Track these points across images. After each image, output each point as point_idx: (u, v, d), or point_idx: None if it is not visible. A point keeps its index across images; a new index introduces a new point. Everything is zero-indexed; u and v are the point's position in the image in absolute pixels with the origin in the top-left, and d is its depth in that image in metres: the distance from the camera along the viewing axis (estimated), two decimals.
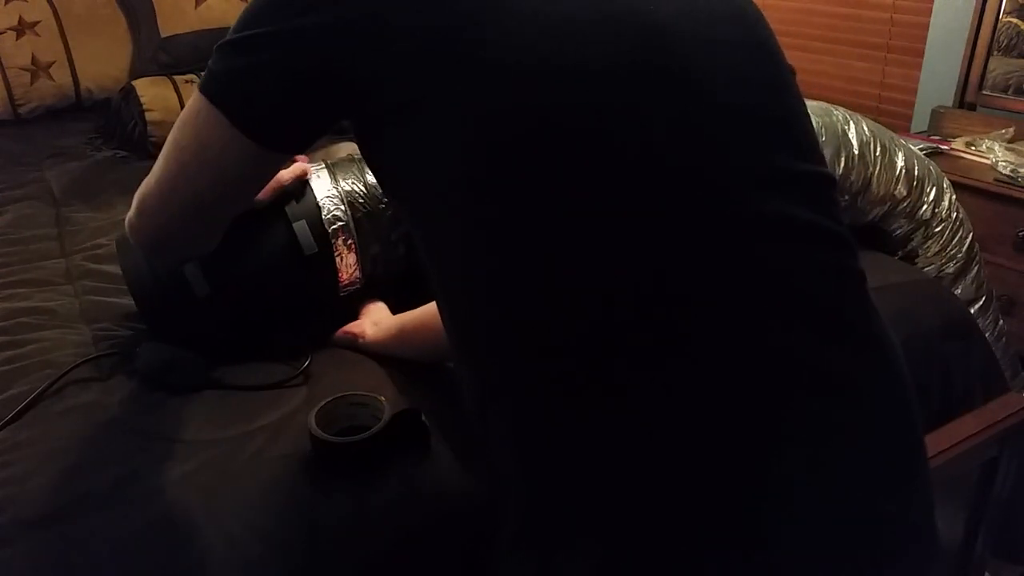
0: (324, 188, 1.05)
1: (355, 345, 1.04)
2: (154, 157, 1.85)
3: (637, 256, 0.59)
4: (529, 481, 0.62)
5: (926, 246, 1.49)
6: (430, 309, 0.95)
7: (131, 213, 0.80)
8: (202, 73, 0.69)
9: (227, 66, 0.67)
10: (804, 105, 0.70)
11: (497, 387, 0.63)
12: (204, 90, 0.68)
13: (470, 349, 0.66)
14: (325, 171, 1.08)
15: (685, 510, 0.57)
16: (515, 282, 0.60)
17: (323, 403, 0.89)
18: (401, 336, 1.00)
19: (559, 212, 0.59)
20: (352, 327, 1.05)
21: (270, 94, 0.66)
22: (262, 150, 0.68)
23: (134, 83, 1.90)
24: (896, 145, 1.45)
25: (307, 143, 0.71)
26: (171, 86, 1.88)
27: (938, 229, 1.49)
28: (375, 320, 1.05)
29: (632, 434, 0.57)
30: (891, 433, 0.64)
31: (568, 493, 0.59)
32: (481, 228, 0.61)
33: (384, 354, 1.02)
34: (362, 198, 1.06)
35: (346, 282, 1.05)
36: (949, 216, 1.50)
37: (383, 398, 0.90)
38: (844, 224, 0.67)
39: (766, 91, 0.66)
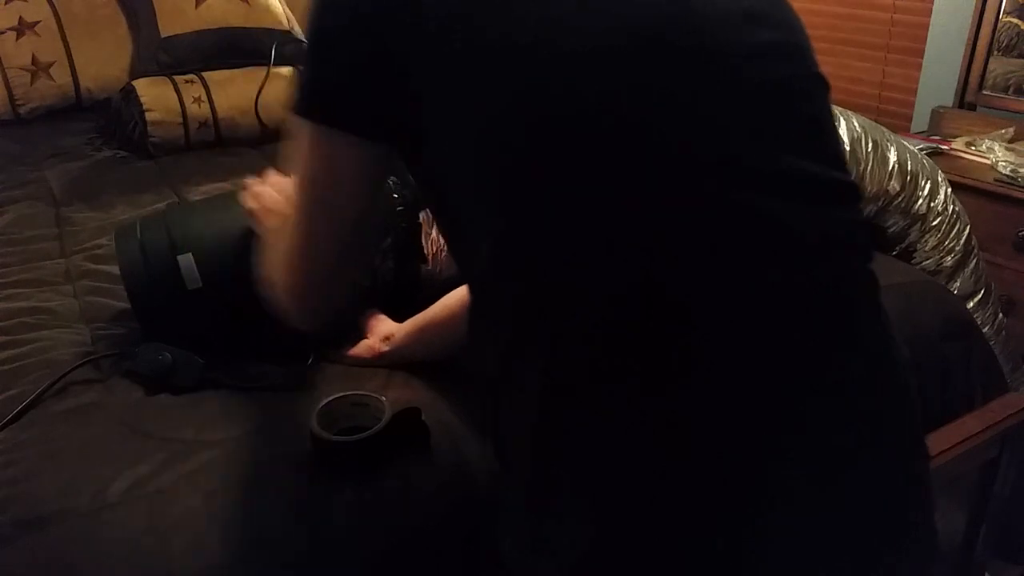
0: None
1: (371, 364, 1.03)
2: (154, 157, 1.83)
3: (641, 244, 0.59)
4: (535, 454, 0.62)
5: (923, 240, 1.49)
6: (442, 305, 0.95)
7: (280, 286, 0.75)
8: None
9: (307, 78, 0.67)
10: (830, 113, 0.70)
11: (516, 357, 0.63)
12: (296, 112, 0.67)
13: (490, 319, 0.66)
14: None
15: (683, 502, 0.57)
16: (528, 259, 0.61)
17: (324, 403, 0.89)
18: (421, 337, 0.99)
19: (565, 195, 0.59)
20: (362, 349, 1.04)
21: (350, 85, 0.65)
22: (367, 143, 0.66)
23: (134, 83, 1.90)
24: (888, 140, 1.44)
25: (397, 126, 0.67)
26: (171, 86, 1.88)
27: (935, 223, 1.48)
28: (383, 334, 1.04)
29: (638, 424, 0.58)
30: (896, 437, 0.64)
31: (569, 466, 0.60)
32: (493, 211, 0.61)
33: (403, 362, 1.02)
34: None
35: None
36: (945, 210, 1.50)
37: (384, 398, 0.90)
38: (864, 228, 0.67)
39: (793, 93, 0.65)
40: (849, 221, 0.66)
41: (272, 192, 0.97)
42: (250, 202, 0.97)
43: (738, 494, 0.58)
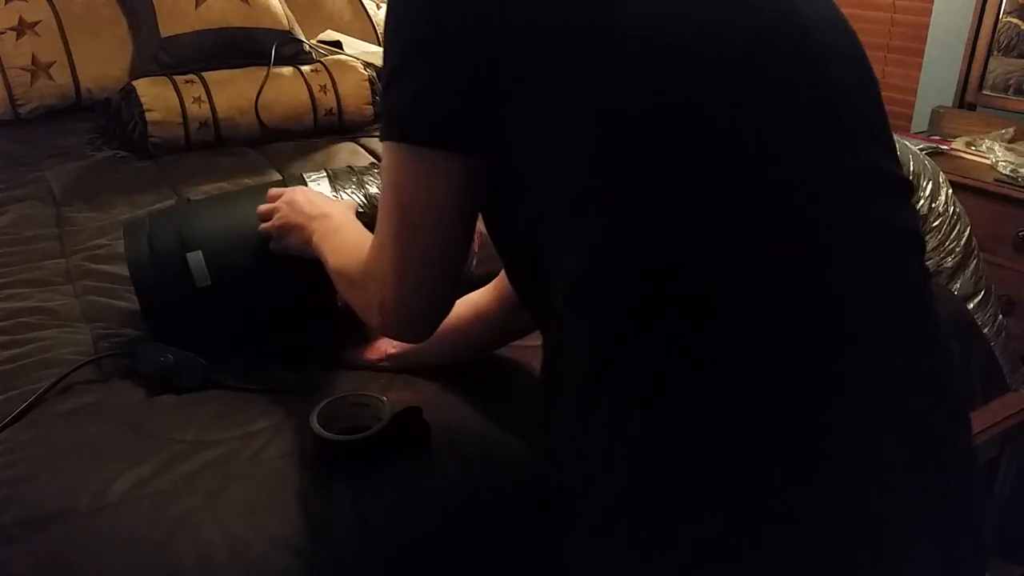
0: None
1: (378, 368, 1.03)
2: (154, 157, 1.83)
3: (720, 241, 0.60)
4: (631, 472, 0.61)
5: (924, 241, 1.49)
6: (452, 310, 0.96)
7: (373, 308, 0.75)
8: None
9: (395, 101, 0.65)
10: (886, 116, 0.73)
11: (609, 371, 0.62)
12: (389, 137, 0.66)
13: (580, 330, 0.64)
14: (326, 180, 1.08)
15: (787, 496, 0.58)
16: (627, 265, 0.60)
17: (325, 403, 0.89)
18: (430, 341, 1.00)
19: (667, 194, 0.59)
20: (371, 353, 1.04)
21: (443, 101, 0.64)
22: (466, 159, 0.65)
23: (134, 83, 1.90)
24: None
25: (489, 135, 0.65)
26: (171, 86, 1.88)
27: (936, 223, 1.48)
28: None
29: (742, 429, 0.59)
30: (948, 433, 0.66)
31: (663, 493, 0.60)
32: (587, 198, 0.61)
33: (411, 366, 1.01)
34: (361, 208, 1.06)
35: None
36: (946, 211, 1.50)
37: (384, 398, 0.90)
38: (919, 224, 0.71)
39: (867, 92, 0.69)
40: (909, 216, 0.69)
41: (289, 209, 0.98)
42: (268, 220, 0.99)
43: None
